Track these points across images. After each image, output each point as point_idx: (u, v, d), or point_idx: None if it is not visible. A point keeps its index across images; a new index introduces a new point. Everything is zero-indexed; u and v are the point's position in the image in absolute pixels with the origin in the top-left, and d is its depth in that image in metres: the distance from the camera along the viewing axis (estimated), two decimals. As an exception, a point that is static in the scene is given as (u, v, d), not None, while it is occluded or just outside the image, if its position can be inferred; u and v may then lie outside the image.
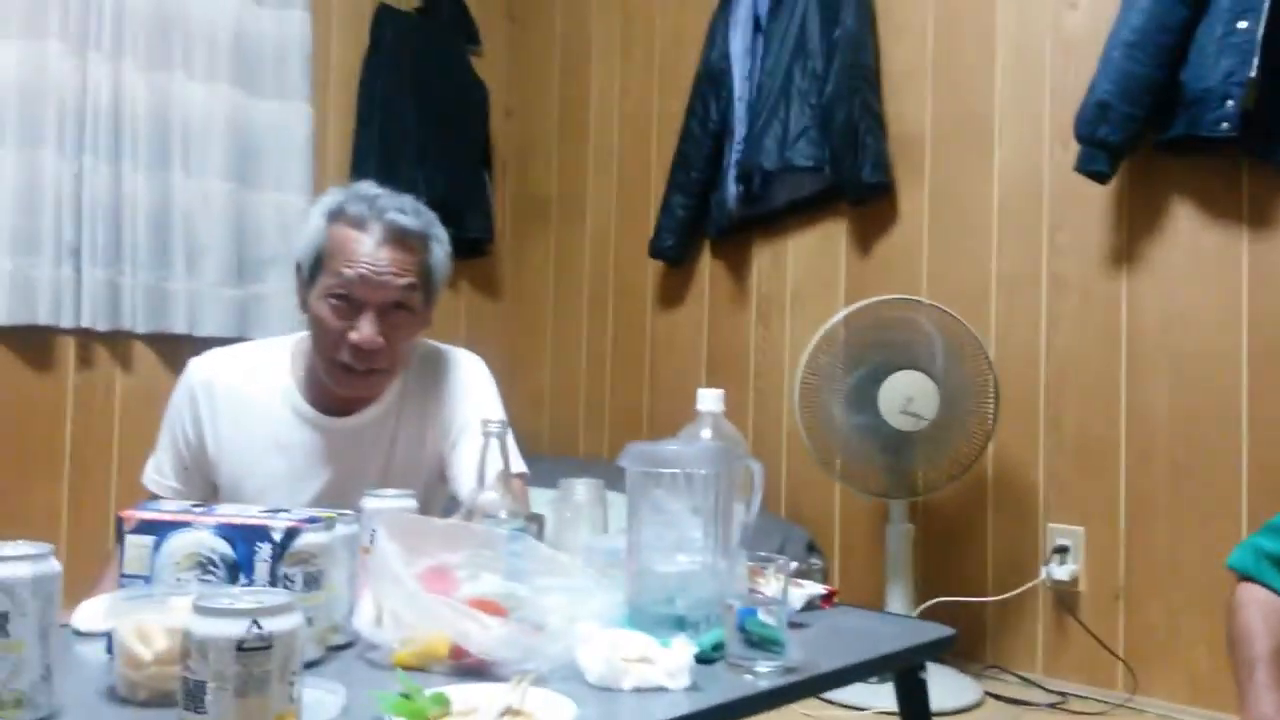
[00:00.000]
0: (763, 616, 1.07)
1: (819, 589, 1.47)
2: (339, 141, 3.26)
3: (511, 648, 1.03)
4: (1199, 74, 2.15)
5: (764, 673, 1.09)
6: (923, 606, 2.47)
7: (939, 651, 1.31)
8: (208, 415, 1.53)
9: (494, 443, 1.31)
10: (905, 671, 1.32)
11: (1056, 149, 2.48)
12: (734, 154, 3.03)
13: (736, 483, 1.32)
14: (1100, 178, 2.32)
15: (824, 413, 2.40)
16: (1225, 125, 2.11)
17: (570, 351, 3.57)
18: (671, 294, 3.34)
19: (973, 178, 2.67)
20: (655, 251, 3.24)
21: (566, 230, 3.62)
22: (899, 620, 1.39)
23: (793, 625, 1.36)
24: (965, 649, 2.55)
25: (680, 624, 1.17)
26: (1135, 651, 2.32)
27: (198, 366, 1.56)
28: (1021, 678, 2.45)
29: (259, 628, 0.66)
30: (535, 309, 3.68)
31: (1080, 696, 2.34)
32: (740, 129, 3.02)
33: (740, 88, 3.04)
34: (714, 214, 3.12)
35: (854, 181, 2.77)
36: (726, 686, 1.05)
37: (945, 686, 2.31)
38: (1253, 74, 2.08)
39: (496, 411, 1.59)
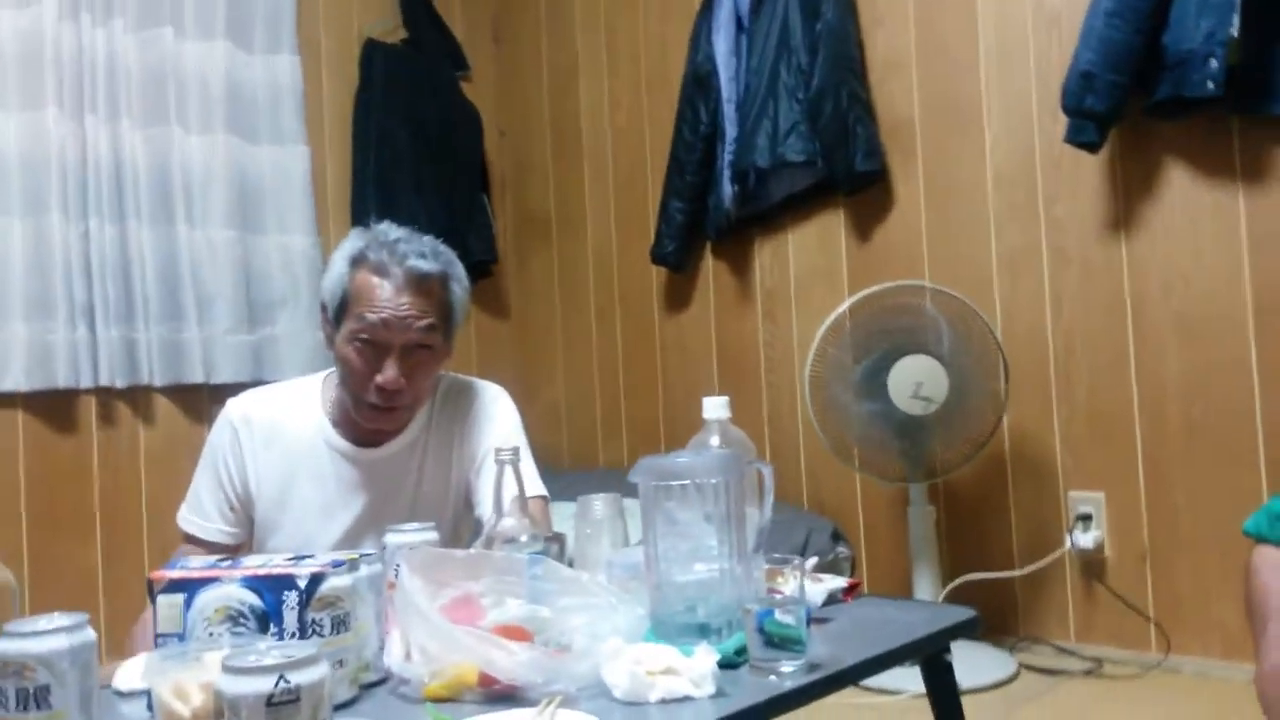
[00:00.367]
0: (780, 616, 1.09)
1: (840, 582, 1.48)
2: (338, 179, 3.30)
3: (538, 671, 1.04)
4: (1181, 36, 2.15)
5: (788, 672, 1.10)
6: (951, 586, 2.47)
7: (961, 634, 1.32)
8: (249, 448, 1.58)
9: (508, 470, 1.34)
10: (930, 656, 1.34)
11: (1046, 123, 2.49)
12: (727, 155, 3.05)
13: (748, 487, 1.34)
14: (1090, 148, 2.33)
15: (835, 403, 2.41)
16: (1211, 85, 2.11)
17: (582, 364, 3.59)
18: (677, 299, 3.36)
19: (965, 159, 2.68)
20: (657, 258, 3.26)
21: (568, 245, 3.64)
22: (921, 606, 1.41)
23: (815, 621, 1.37)
24: (997, 623, 2.56)
25: (703, 632, 1.19)
26: (1166, 612, 2.32)
27: (235, 404, 1.62)
28: (1055, 647, 2.46)
29: (286, 682, 0.69)
30: (544, 325, 3.71)
31: (1115, 661, 2.34)
32: (731, 130, 3.04)
33: (728, 89, 3.05)
34: (712, 216, 3.14)
35: (847, 172, 2.78)
36: (752, 690, 1.07)
37: (979, 662, 2.32)
38: (1234, 32, 2.08)
39: (516, 439, 1.63)
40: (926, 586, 2.44)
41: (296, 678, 0.70)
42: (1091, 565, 2.44)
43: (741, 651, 1.14)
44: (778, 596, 1.14)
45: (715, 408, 1.40)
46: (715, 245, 3.24)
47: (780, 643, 1.10)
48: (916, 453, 2.40)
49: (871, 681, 2.22)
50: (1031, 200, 2.56)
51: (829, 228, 2.98)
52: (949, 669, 1.35)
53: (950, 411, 2.35)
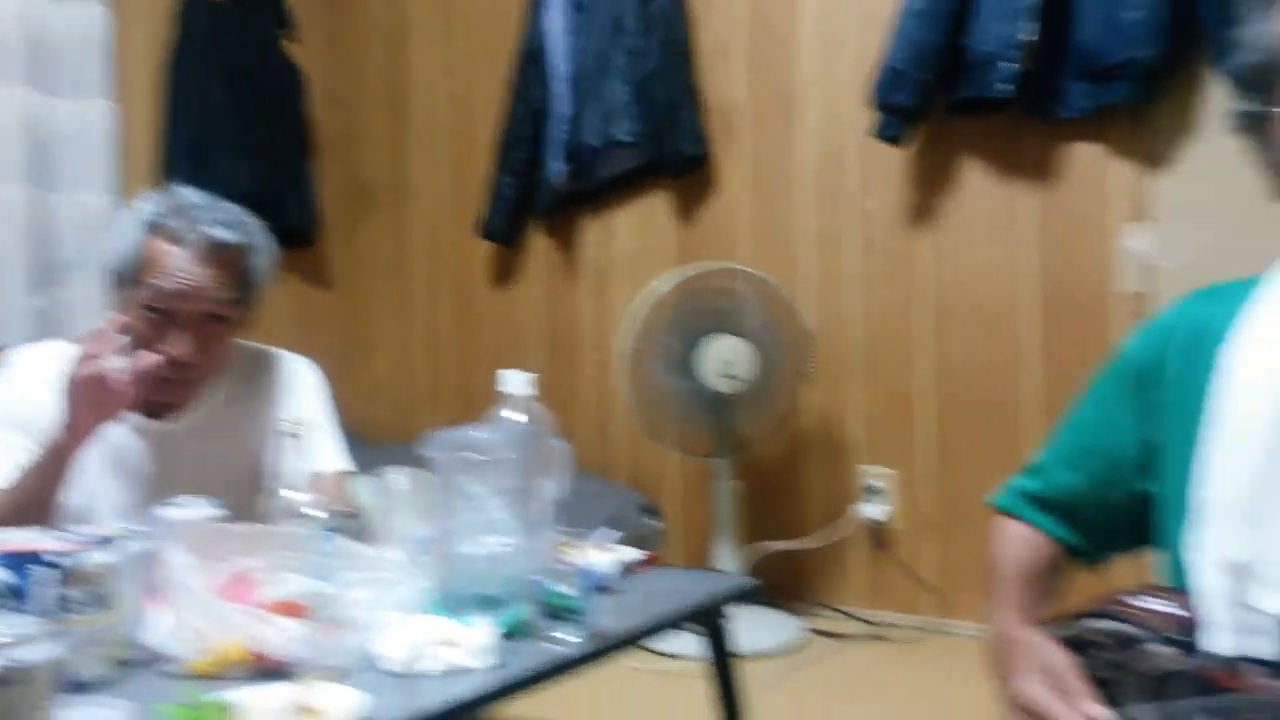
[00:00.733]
0: (560, 588, 1.12)
1: (635, 554, 1.53)
2: (146, 137, 3.13)
3: (309, 647, 1.04)
4: (980, 39, 2.28)
5: (567, 641, 1.14)
6: (749, 556, 2.58)
7: (739, 600, 1.39)
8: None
9: (303, 443, 1.32)
10: (709, 621, 1.40)
11: (859, 114, 2.59)
12: (558, 132, 3.05)
13: (546, 462, 1.37)
14: (894, 142, 2.45)
15: (650, 380, 2.47)
16: (1004, 86, 2.25)
17: (407, 337, 3.54)
18: (506, 274, 3.35)
19: (785, 146, 2.77)
20: (486, 232, 3.24)
21: (396, 215, 3.57)
22: (707, 576, 1.48)
23: (606, 591, 1.42)
24: (792, 591, 2.69)
25: (491, 604, 1.21)
26: (945, 580, 2.49)
27: (29, 359, 1.50)
28: (845, 613, 2.60)
29: (12, 660, 0.67)
30: (369, 297, 3.63)
31: (898, 625, 2.50)
32: (563, 107, 3.04)
33: (561, 66, 3.05)
34: (541, 192, 3.14)
35: (674, 154, 2.84)
36: (531, 658, 1.10)
37: (771, 628, 2.43)
38: (1027, 37, 2.22)
39: (318, 412, 1.60)
40: (727, 558, 2.53)
41: (23, 656, 0.68)
42: (880, 536, 2.60)
43: (525, 622, 1.17)
44: (559, 569, 1.17)
45: (514, 382, 1.42)
46: (545, 222, 3.25)
47: (560, 613, 1.14)
48: (724, 429, 2.49)
49: (662, 646, 2.30)
50: (845, 189, 2.67)
51: (655, 208, 3.03)
52: (727, 635, 1.41)
53: (757, 390, 2.44)
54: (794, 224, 2.75)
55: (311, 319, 3.50)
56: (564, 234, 3.22)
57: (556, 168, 3.05)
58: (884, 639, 2.45)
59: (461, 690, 1.02)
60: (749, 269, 2.56)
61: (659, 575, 1.52)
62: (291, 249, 3.40)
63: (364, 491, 1.61)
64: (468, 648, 1.07)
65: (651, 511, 2.94)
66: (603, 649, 1.15)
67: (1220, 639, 0.90)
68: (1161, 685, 0.92)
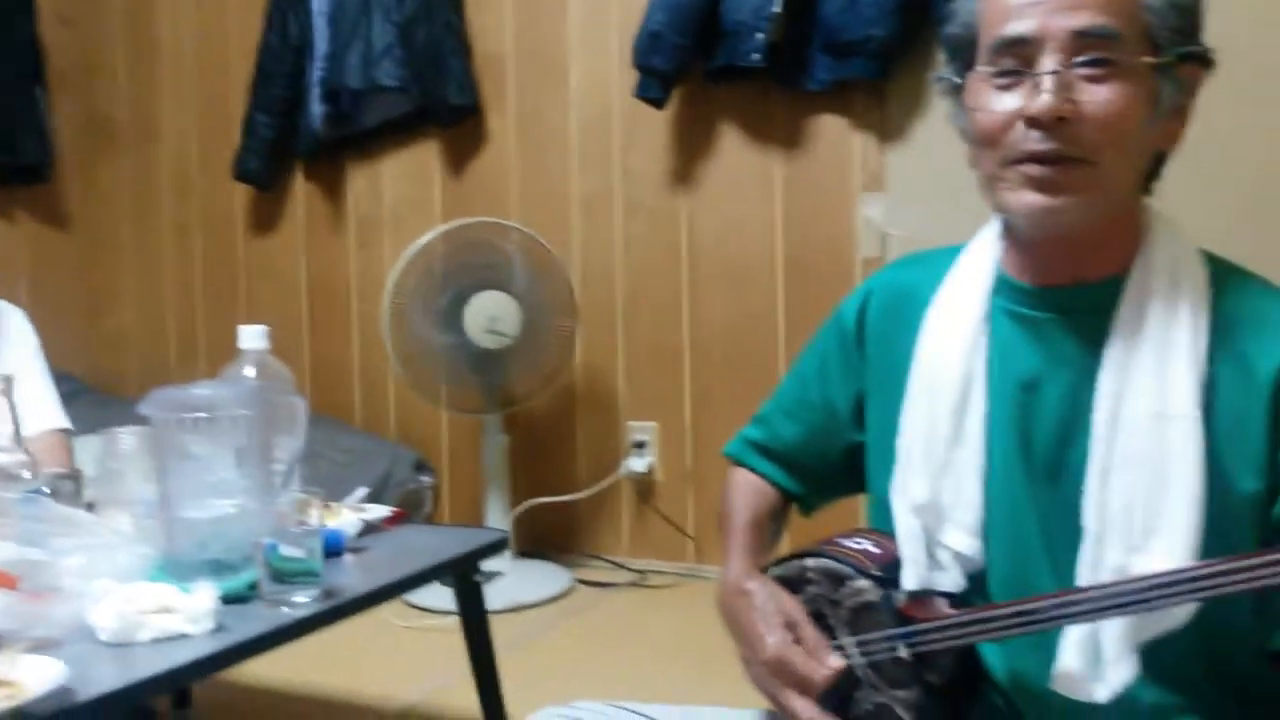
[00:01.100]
0: (285, 550, 1.09)
1: (382, 511, 1.50)
2: None
3: (14, 617, 0.97)
4: (734, 8, 2.34)
5: (299, 603, 1.11)
6: (518, 510, 2.60)
7: (488, 555, 1.39)
8: None
9: (9, 399, 1.21)
10: (459, 576, 1.40)
11: (624, 75, 2.61)
12: (317, 71, 2.91)
13: (281, 419, 1.31)
14: (656, 103, 2.49)
15: (415, 335, 2.43)
16: (755, 56, 2.32)
17: (156, 285, 3.30)
18: (264, 219, 3.18)
19: (552, 101, 2.76)
20: (241, 174, 3.06)
21: (141, 153, 3.31)
22: (457, 532, 1.47)
23: (351, 551, 1.39)
24: (562, 542, 2.74)
25: (218, 568, 1.16)
26: (701, 528, 2.60)
27: None
28: (610, 562, 2.67)
29: None
30: (112, 240, 3.35)
31: (658, 572, 2.59)
32: (322, 45, 2.90)
33: (320, 1, 2.90)
34: (301, 134, 2.99)
35: (441, 103, 2.76)
36: (255, 623, 1.06)
37: (539, 578, 2.48)
38: (777, 9, 2.29)
39: (29, 365, 1.47)
40: (497, 512, 2.54)
41: None
42: (643, 487, 2.68)
43: (253, 586, 1.12)
44: (289, 530, 1.13)
45: (250, 337, 1.35)
46: (306, 166, 3.10)
47: (290, 576, 1.10)
48: (491, 385, 2.48)
49: (422, 600, 2.30)
50: (609, 148, 2.69)
51: (424, 158, 2.96)
52: (476, 588, 1.42)
53: (523, 346, 2.45)
54: (561, 180, 2.76)
55: (46, 262, 3.20)
56: (327, 180, 3.09)
57: (317, 109, 2.91)
58: (644, 585, 2.54)
59: (178, 658, 0.98)
60: (517, 225, 2.55)
61: (409, 532, 1.51)
62: (23, 186, 3.09)
63: (90, 452, 1.50)
64: (185, 614, 1.02)
65: (423, 467, 2.90)
66: (335, 610, 1.12)
67: (915, 574, 0.98)
68: (862, 617, 1.00)
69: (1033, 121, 0.86)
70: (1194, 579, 0.78)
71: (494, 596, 2.34)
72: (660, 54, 2.37)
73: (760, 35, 2.31)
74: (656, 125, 2.61)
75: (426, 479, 2.90)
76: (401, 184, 2.99)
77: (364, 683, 1.96)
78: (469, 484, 2.84)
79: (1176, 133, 0.92)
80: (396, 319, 2.42)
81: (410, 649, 2.14)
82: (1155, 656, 0.89)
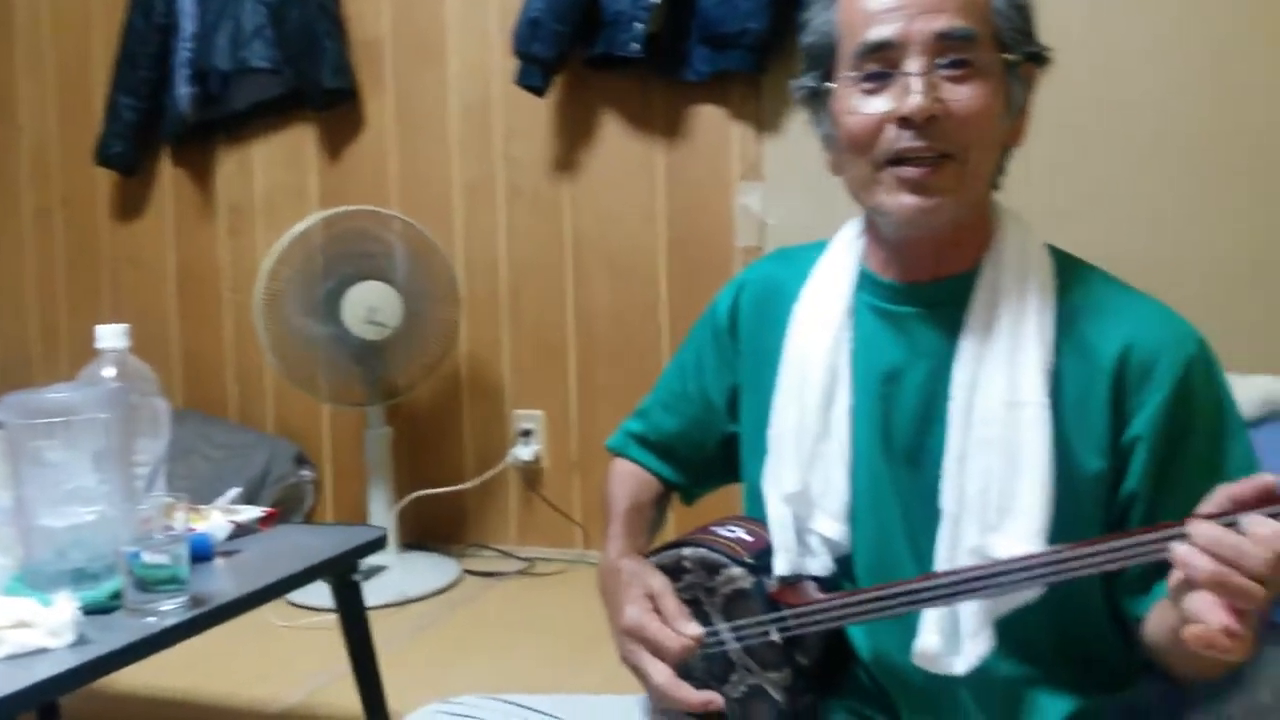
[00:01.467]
0: (149, 557, 1.05)
1: (255, 512, 1.46)
2: None
3: None
4: (612, -1, 2.34)
5: (166, 611, 1.07)
6: (403, 502, 2.57)
7: (364, 554, 1.37)
8: None
9: None
10: (336, 576, 1.38)
11: (504, 61, 2.58)
12: (184, 52, 2.79)
13: (144, 421, 1.27)
14: (536, 91, 2.47)
15: (290, 326, 2.36)
16: (634, 46, 2.33)
17: (14, 275, 3.14)
18: (130, 206, 3.05)
19: (431, 86, 2.71)
20: (103, 159, 2.92)
21: (-7, 135, 3.12)
22: (333, 531, 1.44)
23: (222, 554, 1.35)
24: (449, 534, 2.72)
25: (79, 578, 1.12)
26: (589, 515, 2.61)
27: None
28: (498, 551, 2.67)
29: None
30: (-39, 228, 3.16)
31: (546, 560, 2.60)
32: (189, 24, 2.79)
33: (186, -22, 2.78)
34: (168, 117, 2.87)
35: (315, 86, 2.69)
36: (119, 634, 1.03)
37: (426, 571, 2.45)
38: (655, 3, 2.30)
39: None
40: (380, 506, 2.51)
41: None
42: (530, 476, 2.67)
43: (117, 595, 1.09)
44: (152, 537, 1.10)
45: (109, 336, 1.30)
46: (174, 151, 2.98)
47: (155, 583, 1.07)
48: (372, 376, 2.44)
49: (302, 599, 2.26)
50: (491, 135, 2.67)
51: (299, 143, 2.87)
52: (355, 586, 1.40)
53: (405, 336, 2.41)
54: (442, 167, 2.72)
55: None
56: (196, 165, 2.98)
57: (183, 91, 2.80)
58: (532, 573, 2.54)
59: (38, 673, 0.95)
60: (396, 213, 2.51)
61: (284, 532, 1.48)
62: None
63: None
64: (45, 627, 0.99)
65: (304, 461, 2.84)
66: (204, 618, 1.09)
67: (786, 560, 1.02)
68: (735, 603, 1.02)
69: (904, 122, 0.89)
70: (1044, 564, 0.82)
71: (379, 591, 2.32)
72: (540, 41, 2.36)
73: (639, 25, 2.32)
74: (538, 112, 2.60)
75: (308, 473, 2.83)
76: (275, 169, 2.90)
77: (243, 685, 1.91)
78: (353, 477, 2.79)
79: (1021, 129, 0.97)
80: (271, 310, 2.35)
81: (291, 648, 2.09)
82: (1010, 631, 0.94)
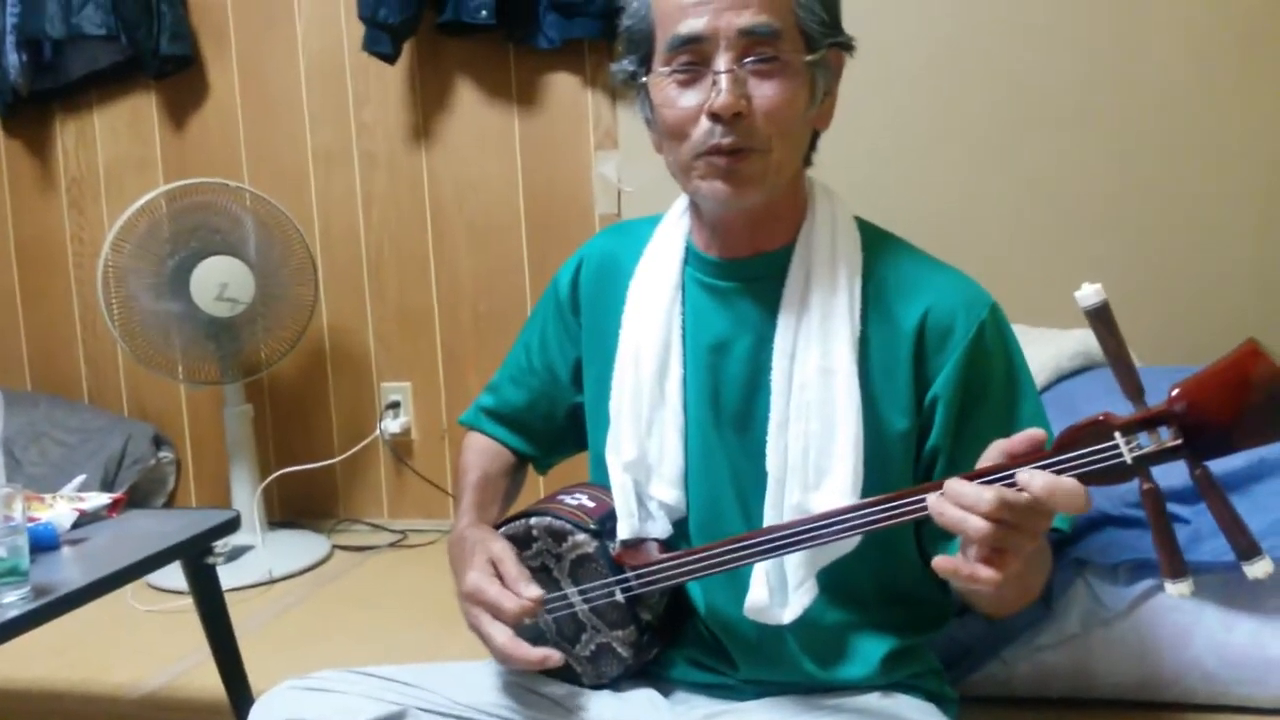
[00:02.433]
0: (-14, 553, 1.03)
1: (103, 499, 1.44)
2: None
3: None
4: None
5: (5, 604, 1.06)
6: (268, 480, 2.54)
7: (217, 536, 1.37)
8: None
9: None
10: (190, 559, 1.37)
11: (354, 25, 2.53)
12: (10, 18, 2.64)
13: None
14: (386, 58, 2.43)
15: (137, 303, 2.30)
16: (483, 14, 2.31)
17: None
18: (-39, 181, 2.88)
19: (279, 53, 2.64)
20: (-72, 131, 2.75)
21: None
22: (183, 515, 1.43)
23: (69, 543, 1.33)
24: (320, 509, 2.70)
25: (-92, 576, 1.09)
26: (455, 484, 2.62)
27: None
28: (370, 525, 2.66)
29: None
30: None
31: (419, 531, 2.61)
32: (15, -11, 2.63)
33: (7, -62, 2.63)
34: (-1, 88, 2.72)
35: (153, 53, 2.58)
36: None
37: (295, 548, 2.44)
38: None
39: None
40: (243, 486, 2.47)
41: None
42: (400, 448, 2.67)
43: (-49, 593, 1.07)
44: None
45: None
46: (7, 122, 2.83)
47: (-8, 577, 1.05)
48: (228, 353, 2.39)
49: (163, 582, 2.23)
50: (342, 101, 2.62)
51: (140, 112, 2.76)
52: (209, 569, 1.40)
53: (260, 312, 2.37)
54: (293, 135, 2.66)
55: None
56: (33, 137, 2.84)
57: (12, 59, 2.65)
58: (404, 545, 2.55)
59: None
60: (247, 185, 2.45)
61: (134, 518, 1.46)
62: None
63: None
64: None
65: (162, 442, 2.76)
66: (47, 608, 1.08)
67: (628, 525, 1.07)
68: (582, 567, 1.07)
69: (714, 117, 0.94)
70: (857, 515, 0.89)
71: (245, 571, 2.30)
72: (386, 6, 2.32)
73: (488, -9, 2.30)
74: (391, 79, 2.56)
75: (167, 454, 2.76)
76: (118, 140, 2.79)
77: (102, 671, 1.88)
78: (215, 457, 2.73)
79: (828, 113, 1.04)
80: (116, 287, 2.28)
81: (154, 633, 2.06)
82: (834, 580, 1.01)
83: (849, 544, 0.97)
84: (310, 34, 2.62)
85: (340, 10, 2.57)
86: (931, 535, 1.02)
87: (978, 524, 0.76)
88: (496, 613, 1.01)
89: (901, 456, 1.01)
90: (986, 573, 0.77)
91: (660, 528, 1.07)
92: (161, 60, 2.59)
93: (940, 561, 0.79)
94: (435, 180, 2.59)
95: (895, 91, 2.19)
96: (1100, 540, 1.34)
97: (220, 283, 2.28)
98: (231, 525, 1.40)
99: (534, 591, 1.01)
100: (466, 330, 2.61)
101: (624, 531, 1.07)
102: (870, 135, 2.17)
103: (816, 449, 0.99)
